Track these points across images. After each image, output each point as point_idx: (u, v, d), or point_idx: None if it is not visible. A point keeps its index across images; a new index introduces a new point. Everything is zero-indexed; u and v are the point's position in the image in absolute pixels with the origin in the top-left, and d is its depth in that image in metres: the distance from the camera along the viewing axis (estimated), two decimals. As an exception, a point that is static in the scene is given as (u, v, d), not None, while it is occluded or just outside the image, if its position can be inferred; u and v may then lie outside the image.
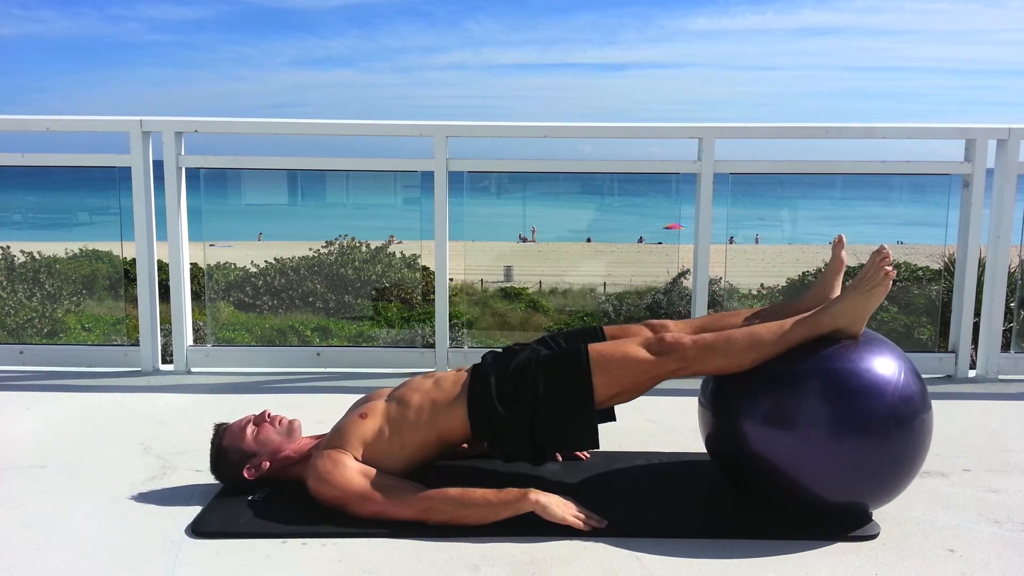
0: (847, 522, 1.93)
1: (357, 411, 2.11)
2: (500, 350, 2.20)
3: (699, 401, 2.14)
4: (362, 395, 2.25)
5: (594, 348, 2.02)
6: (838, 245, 2.20)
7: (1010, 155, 3.39)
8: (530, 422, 1.99)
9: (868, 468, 1.86)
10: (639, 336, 2.10)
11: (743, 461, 1.98)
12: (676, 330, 2.13)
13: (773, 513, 1.98)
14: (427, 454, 2.08)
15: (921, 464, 1.94)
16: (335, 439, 2.06)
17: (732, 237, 3.92)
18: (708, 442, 2.13)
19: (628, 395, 2.02)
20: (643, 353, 1.98)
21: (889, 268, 1.91)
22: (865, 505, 1.95)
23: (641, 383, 1.99)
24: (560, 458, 2.39)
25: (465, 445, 2.38)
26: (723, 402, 2.02)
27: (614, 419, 2.18)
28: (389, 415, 2.07)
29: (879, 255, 1.94)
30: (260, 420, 2.15)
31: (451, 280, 3.67)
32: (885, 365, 1.88)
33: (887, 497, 1.95)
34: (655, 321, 2.20)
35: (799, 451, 1.87)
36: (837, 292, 2.16)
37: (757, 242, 7.39)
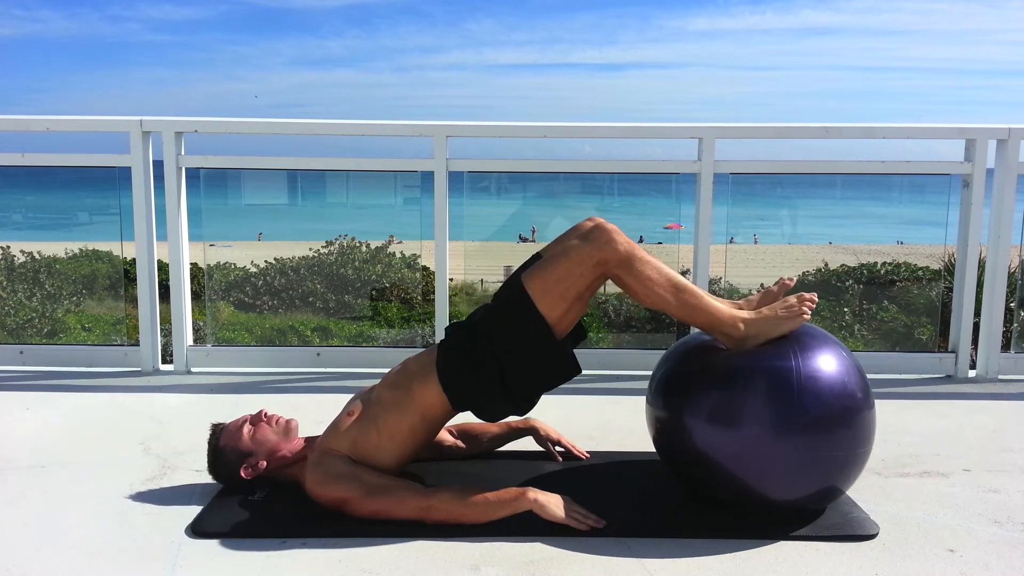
0: (800, 518, 1.95)
1: (346, 410, 2.12)
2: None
3: (646, 398, 2.13)
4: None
5: (527, 276, 1.97)
6: (783, 286, 2.10)
7: (1010, 155, 3.39)
8: (499, 374, 1.98)
9: (811, 466, 1.87)
10: (573, 232, 2.01)
11: (688, 458, 1.98)
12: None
13: (774, 515, 1.98)
14: (416, 440, 2.07)
15: (864, 463, 1.95)
16: (328, 440, 2.07)
17: (732, 238, 3.92)
18: (656, 440, 2.12)
19: (579, 305, 1.97)
20: (572, 244, 1.94)
21: (807, 314, 1.95)
22: (811, 502, 1.96)
23: (584, 287, 1.94)
24: (560, 459, 2.39)
25: (463, 444, 2.38)
26: (669, 398, 2.02)
27: (585, 336, 2.13)
28: (373, 408, 2.07)
29: (808, 296, 1.98)
30: (257, 420, 2.15)
31: (451, 280, 3.68)
32: (827, 362, 1.90)
33: (832, 495, 1.97)
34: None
35: (742, 449, 1.88)
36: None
37: (756, 242, 7.39)
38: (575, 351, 2.05)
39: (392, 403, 2.05)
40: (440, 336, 3.53)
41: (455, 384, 2.02)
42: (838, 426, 1.87)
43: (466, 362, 2.01)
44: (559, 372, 2.02)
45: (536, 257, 2.06)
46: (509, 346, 1.98)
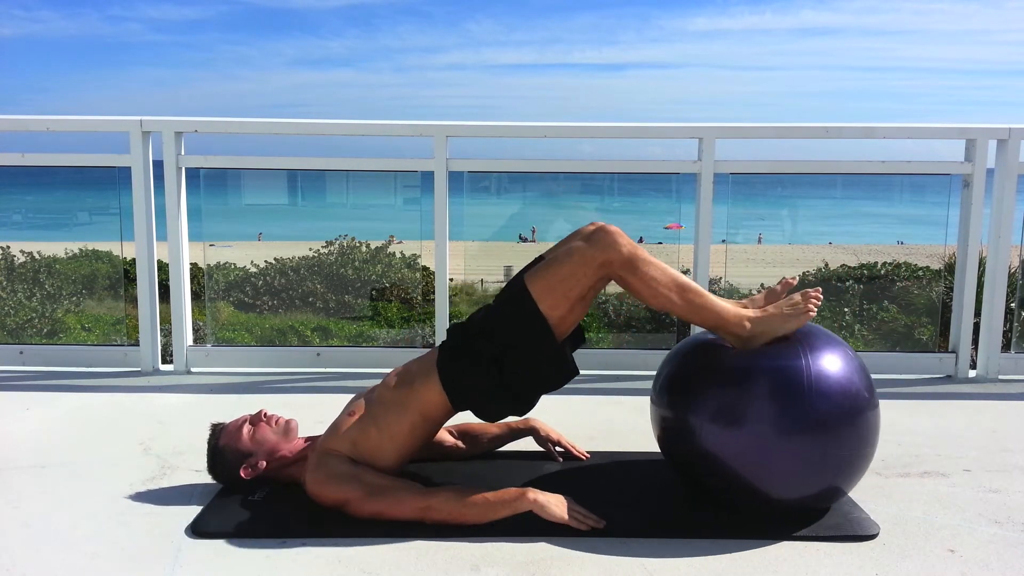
0: (801, 519, 1.95)
1: (347, 410, 2.12)
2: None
3: (650, 398, 2.13)
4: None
5: (530, 276, 1.97)
6: (787, 285, 2.11)
7: (1010, 155, 3.39)
8: (498, 374, 1.97)
9: (816, 466, 1.87)
10: (577, 235, 2.02)
11: (693, 458, 1.98)
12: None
13: (775, 515, 1.98)
14: (416, 440, 2.07)
15: (869, 462, 1.95)
16: (329, 439, 2.07)
17: (724, 239, 3.91)
18: (660, 440, 2.12)
19: (580, 306, 1.96)
20: (576, 246, 1.93)
21: (813, 311, 1.95)
22: (814, 502, 1.97)
23: (586, 288, 1.93)
24: (560, 459, 2.39)
25: (463, 445, 2.38)
26: (673, 398, 2.02)
27: (584, 340, 2.13)
28: (374, 407, 2.07)
29: (812, 293, 1.98)
30: (256, 420, 2.15)
31: (451, 280, 3.68)
32: (832, 363, 1.90)
33: (838, 494, 1.97)
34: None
35: (746, 449, 1.88)
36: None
37: (760, 242, 7.38)
38: (575, 353, 2.04)
39: (393, 402, 2.05)
40: (440, 337, 3.53)
41: (455, 383, 2.01)
42: (845, 426, 1.87)
43: (466, 361, 2.01)
44: (558, 374, 2.02)
45: (539, 259, 2.06)
46: (509, 345, 1.98)
